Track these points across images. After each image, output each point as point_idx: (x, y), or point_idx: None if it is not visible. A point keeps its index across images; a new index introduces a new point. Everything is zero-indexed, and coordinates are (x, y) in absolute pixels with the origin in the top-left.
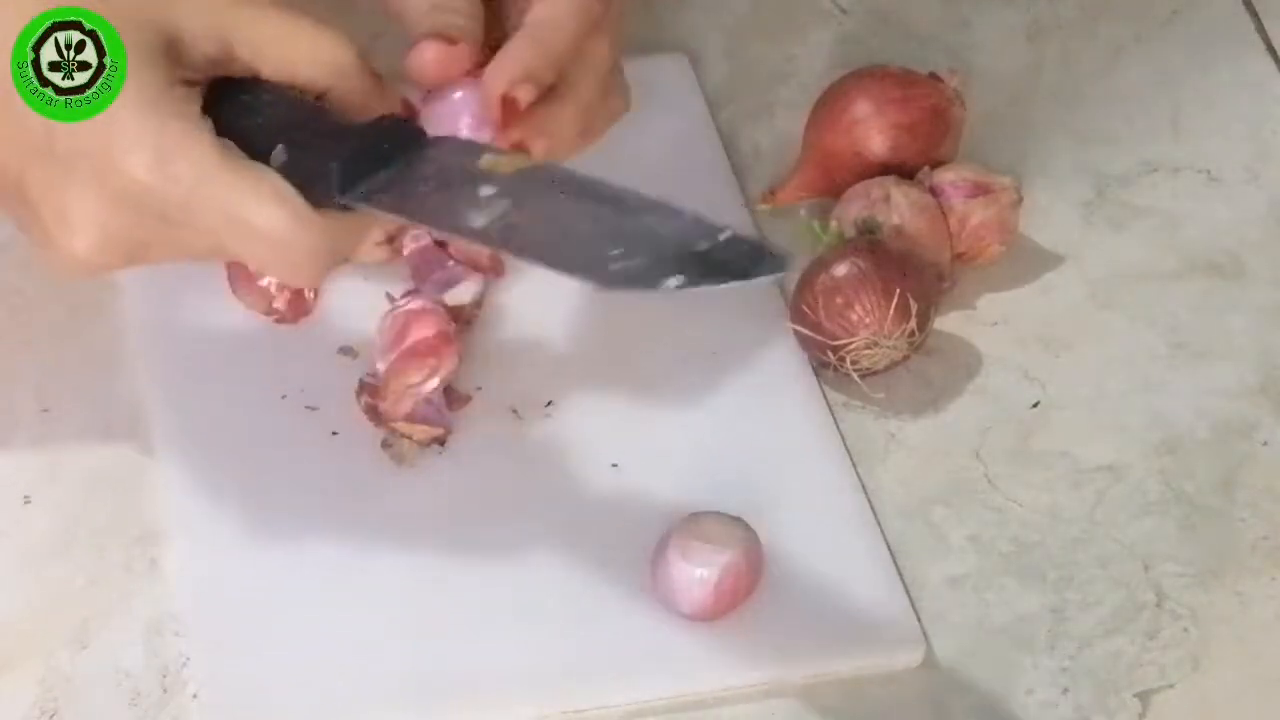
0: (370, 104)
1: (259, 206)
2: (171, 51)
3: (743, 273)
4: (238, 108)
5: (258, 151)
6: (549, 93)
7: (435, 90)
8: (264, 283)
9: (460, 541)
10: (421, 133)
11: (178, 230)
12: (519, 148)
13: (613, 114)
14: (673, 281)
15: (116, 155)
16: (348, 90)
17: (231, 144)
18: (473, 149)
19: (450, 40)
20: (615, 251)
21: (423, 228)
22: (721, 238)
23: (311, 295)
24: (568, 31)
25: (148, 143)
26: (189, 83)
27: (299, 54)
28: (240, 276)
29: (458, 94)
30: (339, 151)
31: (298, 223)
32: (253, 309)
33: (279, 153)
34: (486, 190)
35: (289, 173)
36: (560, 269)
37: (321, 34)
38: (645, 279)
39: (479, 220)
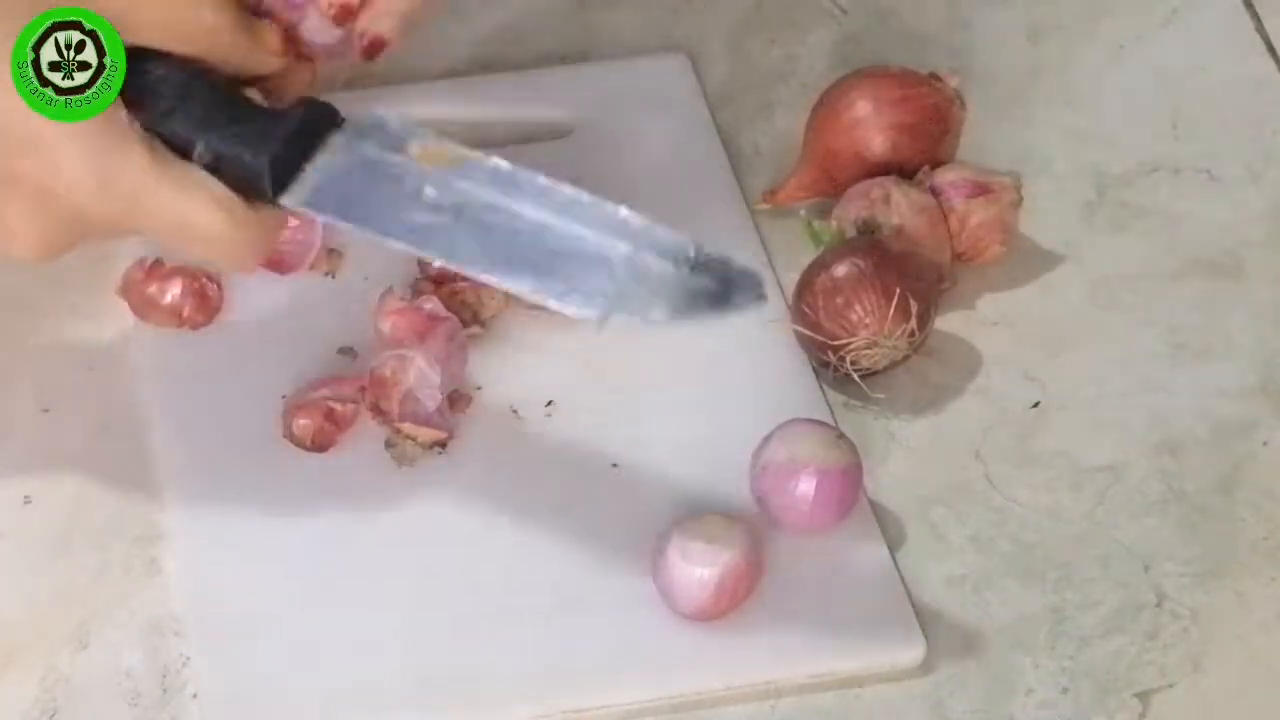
0: (250, 63)
1: (199, 214)
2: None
3: (724, 300)
4: (149, 90)
5: (177, 143)
6: None
7: None
8: (168, 299)
9: (460, 541)
10: (336, 114)
11: (117, 234)
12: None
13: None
14: (657, 314)
15: (61, 178)
16: (219, 48)
17: (159, 145)
18: (397, 136)
19: None
20: (570, 294)
21: (368, 235)
22: (694, 257)
23: (216, 289)
24: None
25: (91, 168)
26: None
27: (163, 26)
28: (142, 304)
29: None
30: (261, 148)
31: (234, 224)
32: (164, 326)
33: (202, 151)
34: (430, 192)
35: (216, 170)
36: (525, 291)
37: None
38: (616, 311)
39: (429, 230)
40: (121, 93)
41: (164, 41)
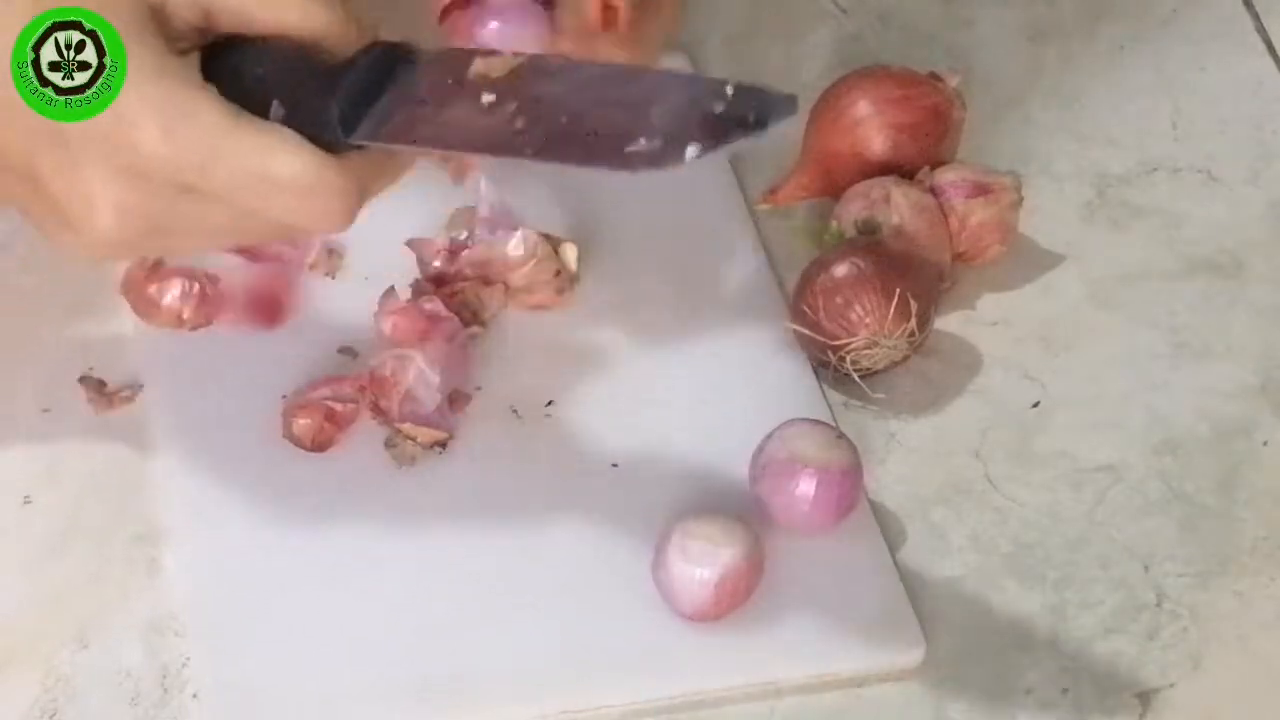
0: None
1: (277, 157)
2: (158, 23)
3: (759, 124)
4: (230, 70)
5: (256, 111)
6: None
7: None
8: (166, 300)
9: (460, 541)
10: (409, 51)
11: (197, 202)
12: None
13: (676, 20)
14: (691, 151)
15: (126, 132)
16: (336, 38)
17: (235, 106)
18: (461, 58)
19: None
20: (627, 134)
21: (433, 150)
22: (729, 92)
23: (216, 290)
24: None
25: (155, 115)
26: (182, 52)
27: (279, 11)
28: (142, 304)
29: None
30: (333, 93)
31: (320, 167)
32: (164, 326)
33: (276, 108)
34: (487, 97)
35: (290, 125)
36: (578, 163)
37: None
38: (666, 157)
39: (488, 130)
40: (206, 71)
41: (282, 31)
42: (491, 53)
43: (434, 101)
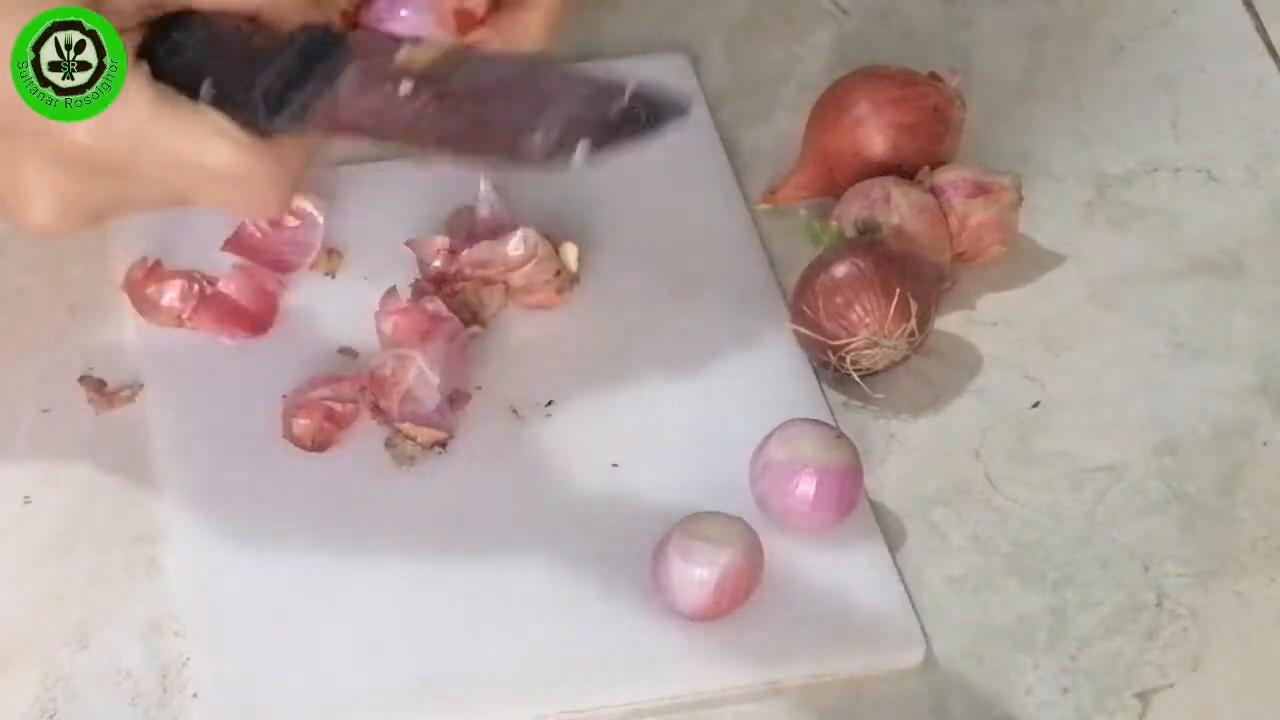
0: (306, 18)
1: (203, 145)
2: (96, 4)
3: (652, 125)
4: (169, 45)
5: (190, 89)
6: None
7: None
8: (165, 300)
9: (460, 541)
10: (342, 37)
11: (132, 185)
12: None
13: (555, 20)
14: (581, 151)
15: (56, 123)
16: (279, 8)
17: (167, 88)
18: (389, 46)
19: None
20: (521, 131)
21: (346, 137)
22: (627, 94)
23: (215, 291)
24: None
25: None
26: (123, 29)
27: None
28: (142, 304)
29: None
30: (262, 77)
31: (246, 152)
32: (165, 326)
33: (207, 88)
34: (405, 86)
35: (220, 107)
36: (472, 157)
37: None
38: (556, 156)
39: (398, 120)
40: (148, 48)
41: (222, 6)
42: (419, 41)
43: (356, 89)
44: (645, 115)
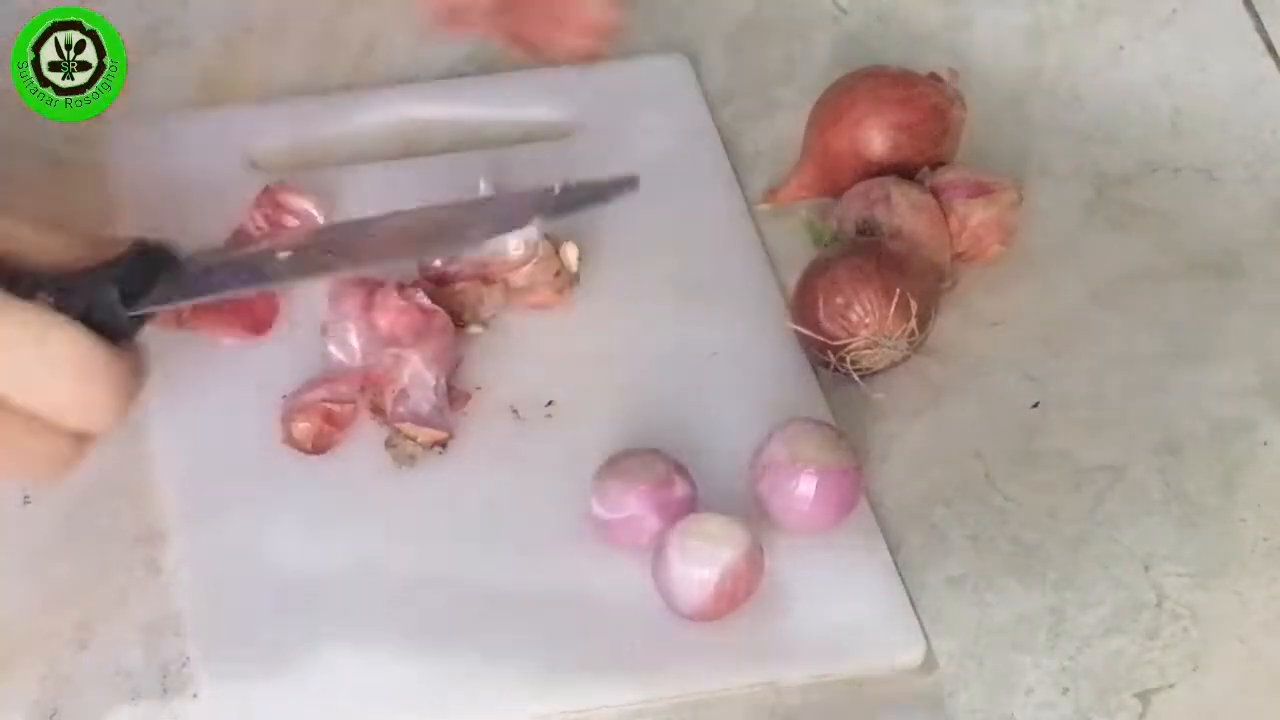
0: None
1: (49, 333)
2: None
3: (601, 198)
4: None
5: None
6: None
7: None
8: None
9: (460, 541)
10: (176, 253)
11: None
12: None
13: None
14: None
15: None
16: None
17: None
18: (239, 241)
19: None
20: (461, 229)
21: (229, 291)
22: (560, 186)
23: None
24: None
25: None
26: None
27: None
28: None
29: None
30: (108, 280)
31: (99, 346)
32: (166, 327)
33: (43, 297)
34: (283, 255)
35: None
36: (422, 256)
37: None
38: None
39: (286, 261)
40: None
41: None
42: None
43: (220, 265)
44: (587, 195)
